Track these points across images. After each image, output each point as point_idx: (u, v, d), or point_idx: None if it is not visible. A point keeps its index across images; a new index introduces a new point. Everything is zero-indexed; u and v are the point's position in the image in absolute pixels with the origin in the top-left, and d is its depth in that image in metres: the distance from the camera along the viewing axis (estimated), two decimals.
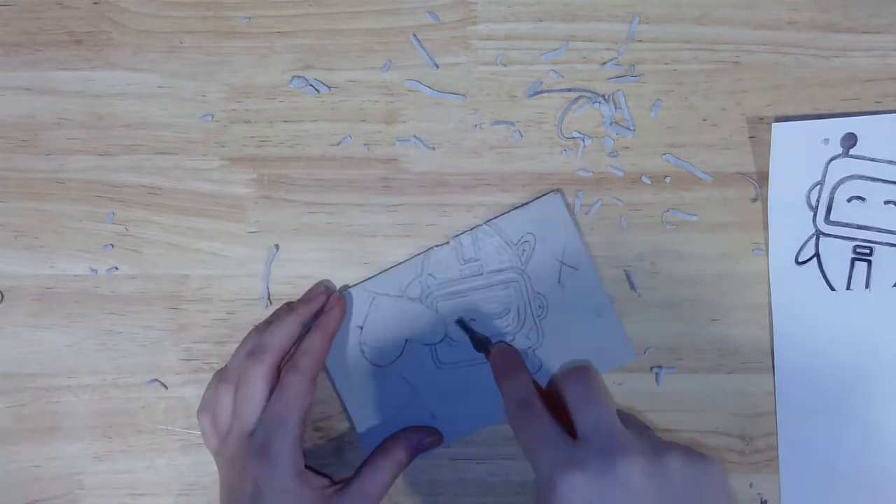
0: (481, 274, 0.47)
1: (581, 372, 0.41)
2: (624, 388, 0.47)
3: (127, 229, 0.48)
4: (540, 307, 0.47)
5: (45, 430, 0.48)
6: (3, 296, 0.48)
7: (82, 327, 0.48)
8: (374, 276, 0.47)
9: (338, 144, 0.47)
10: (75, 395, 0.48)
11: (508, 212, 0.47)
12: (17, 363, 0.48)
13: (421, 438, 0.46)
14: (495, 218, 0.47)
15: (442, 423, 0.47)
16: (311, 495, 0.41)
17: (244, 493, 0.40)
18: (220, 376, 0.44)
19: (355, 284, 0.47)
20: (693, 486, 0.35)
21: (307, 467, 0.42)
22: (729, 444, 0.47)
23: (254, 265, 0.48)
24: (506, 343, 0.46)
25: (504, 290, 0.47)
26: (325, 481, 0.43)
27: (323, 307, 0.46)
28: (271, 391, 0.43)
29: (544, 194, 0.47)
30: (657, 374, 0.47)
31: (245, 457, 0.41)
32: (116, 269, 0.48)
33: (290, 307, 0.46)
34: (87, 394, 0.48)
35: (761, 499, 0.47)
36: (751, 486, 0.47)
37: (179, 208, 0.48)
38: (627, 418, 0.41)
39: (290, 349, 0.44)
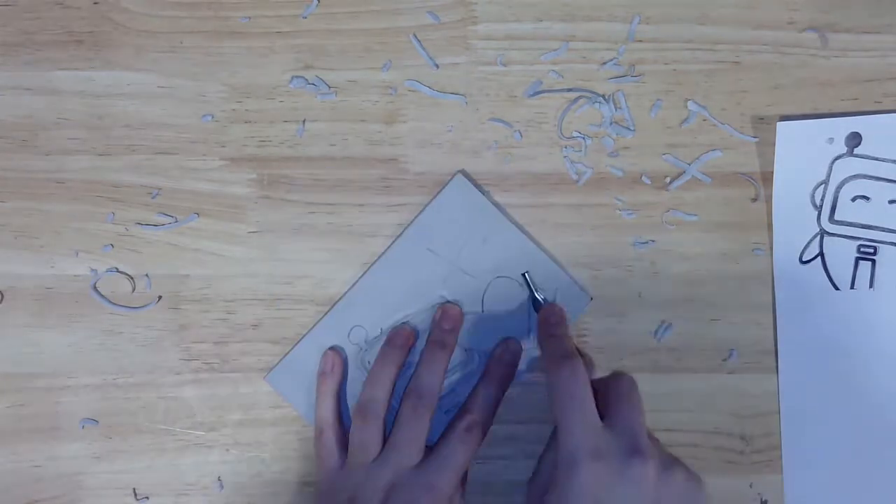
0: None
1: (626, 377, 0.42)
2: None
3: (127, 229, 0.48)
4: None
5: (45, 430, 0.48)
6: (3, 296, 0.48)
7: (82, 327, 0.48)
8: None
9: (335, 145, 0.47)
10: (75, 395, 0.48)
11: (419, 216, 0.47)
12: (17, 363, 0.48)
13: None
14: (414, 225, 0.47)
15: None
16: None
17: None
18: (369, 409, 0.45)
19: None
20: (686, 499, 0.39)
21: None
22: (729, 444, 0.47)
23: (254, 265, 0.48)
24: (557, 304, 0.47)
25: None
26: None
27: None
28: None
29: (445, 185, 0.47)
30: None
31: (410, 487, 0.43)
32: (116, 269, 0.48)
33: (441, 345, 0.46)
34: (87, 394, 0.48)
35: (761, 499, 0.47)
36: (751, 486, 0.47)
37: (179, 208, 0.48)
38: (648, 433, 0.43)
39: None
